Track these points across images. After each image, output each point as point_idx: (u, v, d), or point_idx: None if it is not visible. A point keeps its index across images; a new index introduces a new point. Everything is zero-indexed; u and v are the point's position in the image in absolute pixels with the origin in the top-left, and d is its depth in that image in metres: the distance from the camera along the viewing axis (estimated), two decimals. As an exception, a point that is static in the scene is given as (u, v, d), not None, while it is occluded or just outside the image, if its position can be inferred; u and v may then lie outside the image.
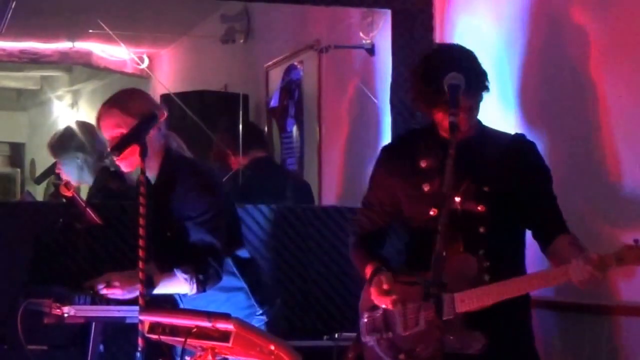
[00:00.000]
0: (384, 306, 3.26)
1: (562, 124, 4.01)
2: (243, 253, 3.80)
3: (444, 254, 3.17)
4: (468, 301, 3.08)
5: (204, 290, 3.53)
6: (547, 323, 4.03)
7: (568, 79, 3.96)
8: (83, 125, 5.22)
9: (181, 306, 3.75)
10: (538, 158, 3.36)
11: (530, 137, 3.49)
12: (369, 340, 3.31)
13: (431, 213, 3.26)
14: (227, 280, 3.65)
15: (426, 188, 3.29)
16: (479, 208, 3.23)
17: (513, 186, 3.25)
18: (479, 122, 3.37)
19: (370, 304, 3.32)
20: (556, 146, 3.96)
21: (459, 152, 3.14)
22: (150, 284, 3.39)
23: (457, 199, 3.22)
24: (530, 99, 4.23)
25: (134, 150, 3.36)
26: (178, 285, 3.53)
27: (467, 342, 3.09)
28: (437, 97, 3.17)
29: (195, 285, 3.50)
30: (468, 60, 3.28)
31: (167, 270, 3.50)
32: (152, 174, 3.65)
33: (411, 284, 3.21)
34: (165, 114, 3.62)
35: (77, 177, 5.14)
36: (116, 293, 3.50)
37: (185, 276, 3.48)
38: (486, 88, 3.27)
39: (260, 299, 3.75)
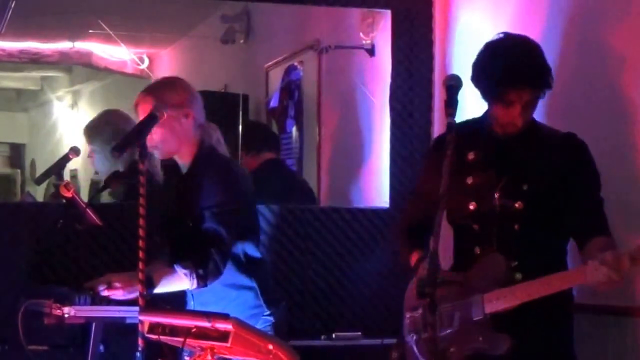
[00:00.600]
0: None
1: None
2: (255, 252, 3.78)
3: (478, 252, 3.25)
4: (496, 302, 3.07)
5: (205, 285, 3.52)
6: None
7: (568, 80, 3.96)
8: (119, 113, 5.13)
9: (191, 303, 3.74)
10: (587, 159, 3.30)
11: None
12: (409, 340, 3.31)
13: (471, 207, 3.27)
14: (238, 278, 3.67)
15: (469, 181, 3.29)
16: (516, 205, 3.21)
17: (555, 185, 3.22)
18: (533, 119, 3.34)
19: (412, 304, 3.32)
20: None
21: (504, 148, 3.21)
22: (150, 284, 3.39)
23: (496, 195, 3.23)
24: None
25: (165, 138, 3.53)
26: (179, 282, 3.52)
27: (494, 344, 3.08)
28: (496, 91, 3.18)
29: (195, 280, 3.49)
30: (531, 54, 3.22)
31: (168, 267, 3.50)
32: (183, 162, 3.69)
33: (447, 284, 3.17)
34: (198, 106, 3.67)
35: (108, 167, 4.92)
36: (117, 294, 3.49)
37: (185, 271, 3.47)
38: (548, 85, 3.22)
39: (268, 299, 3.75)
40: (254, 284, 3.71)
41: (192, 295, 3.73)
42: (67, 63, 10.23)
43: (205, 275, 3.49)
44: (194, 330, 2.86)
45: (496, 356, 3.08)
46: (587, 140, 3.33)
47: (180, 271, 3.49)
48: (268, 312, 3.73)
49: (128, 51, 8.95)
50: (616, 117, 3.77)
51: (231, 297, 3.67)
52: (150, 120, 3.45)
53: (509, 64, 3.16)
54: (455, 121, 2.98)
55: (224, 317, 2.81)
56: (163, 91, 3.64)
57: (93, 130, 5.05)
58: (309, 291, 4.87)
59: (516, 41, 3.27)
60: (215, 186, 3.58)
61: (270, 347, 2.82)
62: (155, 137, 3.57)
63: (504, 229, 3.21)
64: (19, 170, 14.80)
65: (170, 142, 3.63)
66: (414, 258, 3.34)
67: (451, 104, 2.98)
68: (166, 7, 7.81)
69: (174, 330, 2.95)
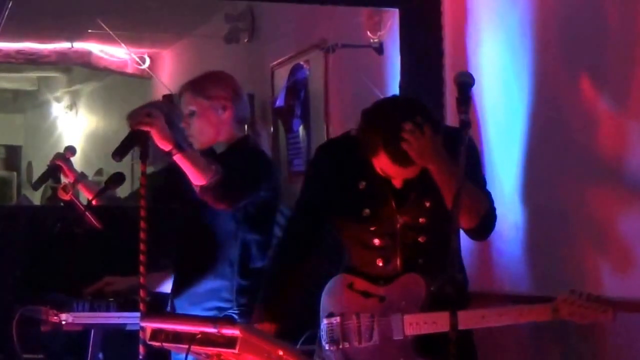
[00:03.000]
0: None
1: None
2: (257, 262, 3.76)
3: (381, 264, 3.19)
4: (416, 325, 3.07)
5: (217, 194, 3.48)
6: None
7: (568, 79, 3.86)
8: (170, 98, 5.01)
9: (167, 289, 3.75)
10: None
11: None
12: (327, 347, 3.26)
13: (371, 229, 3.20)
14: (223, 269, 3.67)
15: (365, 213, 3.21)
16: (420, 221, 3.18)
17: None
18: None
19: (328, 310, 3.27)
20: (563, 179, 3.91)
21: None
22: (180, 148, 3.38)
23: (398, 224, 3.18)
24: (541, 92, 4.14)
25: (202, 128, 3.71)
26: (198, 166, 3.44)
27: None
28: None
29: (212, 178, 3.44)
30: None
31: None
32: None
33: (366, 295, 3.18)
34: (240, 102, 3.79)
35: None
36: None
37: (211, 166, 3.45)
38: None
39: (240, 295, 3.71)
40: (234, 279, 3.69)
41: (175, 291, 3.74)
42: (65, 63, 10.23)
43: (224, 182, 3.45)
44: (199, 336, 2.81)
45: None
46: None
47: (206, 161, 3.46)
48: (236, 312, 3.69)
49: (129, 51, 8.90)
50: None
51: (206, 281, 3.68)
52: (138, 136, 3.38)
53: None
54: (469, 119, 2.86)
55: (231, 322, 2.82)
56: (203, 83, 3.80)
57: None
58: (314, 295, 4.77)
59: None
60: (244, 156, 3.69)
61: (280, 352, 2.79)
62: (192, 127, 3.73)
63: (408, 242, 3.18)
64: (15, 173, 14.83)
65: (206, 133, 3.74)
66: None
67: (464, 101, 2.88)
68: (168, 6, 7.80)
69: (177, 337, 2.90)
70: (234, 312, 3.66)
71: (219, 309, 3.65)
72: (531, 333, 4.04)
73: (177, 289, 3.75)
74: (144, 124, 3.34)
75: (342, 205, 3.25)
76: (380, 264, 3.21)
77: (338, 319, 3.21)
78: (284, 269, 3.33)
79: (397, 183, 3.17)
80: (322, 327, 3.27)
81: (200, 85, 3.77)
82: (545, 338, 3.96)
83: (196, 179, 3.47)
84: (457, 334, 2.56)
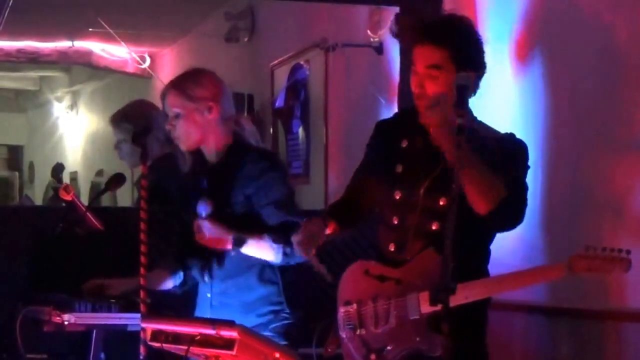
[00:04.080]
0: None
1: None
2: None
3: (392, 249, 3.18)
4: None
5: (288, 263, 3.55)
6: (539, 328, 4.07)
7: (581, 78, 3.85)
8: (148, 102, 4.98)
9: (207, 294, 3.68)
10: (517, 157, 3.15)
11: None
12: (344, 336, 3.24)
13: (396, 197, 3.19)
14: (265, 270, 3.64)
15: (399, 169, 3.21)
16: (440, 202, 3.12)
17: None
18: (474, 118, 3.19)
19: (345, 298, 3.25)
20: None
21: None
22: (240, 242, 3.47)
23: (421, 190, 3.14)
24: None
25: (188, 130, 3.60)
26: (264, 250, 3.54)
27: (431, 345, 3.03)
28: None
29: (281, 256, 3.53)
30: (445, 18, 3.21)
31: (257, 233, 3.55)
32: (210, 153, 3.71)
33: (382, 279, 3.15)
34: (225, 99, 3.71)
35: (135, 159, 4.83)
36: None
37: (274, 245, 3.52)
38: (456, 48, 3.09)
39: (288, 299, 3.71)
40: (279, 280, 3.67)
41: (211, 285, 3.68)
42: (66, 62, 10.23)
43: (291, 254, 3.49)
44: (198, 337, 2.82)
45: (433, 356, 3.03)
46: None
47: (269, 242, 3.52)
48: (287, 312, 3.68)
49: (129, 50, 8.90)
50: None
51: (254, 288, 3.63)
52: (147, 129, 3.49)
53: (418, 23, 3.14)
54: (466, 122, 2.85)
55: (229, 324, 2.78)
56: (187, 84, 3.68)
57: (121, 120, 4.89)
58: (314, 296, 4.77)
59: (453, 14, 3.25)
60: (272, 179, 3.62)
61: (277, 355, 2.80)
62: (178, 129, 3.64)
63: (421, 228, 3.14)
64: (17, 173, 14.85)
65: (192, 135, 3.66)
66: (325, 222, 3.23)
67: (462, 104, 2.83)
68: (168, 5, 7.80)
69: (177, 338, 2.91)
70: (285, 314, 3.66)
71: (273, 312, 3.64)
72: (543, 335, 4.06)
73: (217, 301, 3.69)
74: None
75: (384, 162, 3.21)
76: (392, 249, 3.20)
77: (355, 306, 3.19)
78: (341, 204, 3.34)
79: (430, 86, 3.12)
80: (339, 315, 3.26)
81: (184, 86, 3.67)
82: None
83: (268, 258, 3.55)
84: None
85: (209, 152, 3.69)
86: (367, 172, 3.34)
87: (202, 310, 3.70)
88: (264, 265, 3.60)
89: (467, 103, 2.90)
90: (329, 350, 3.31)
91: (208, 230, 3.47)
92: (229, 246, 3.47)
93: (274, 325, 3.59)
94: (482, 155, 3.03)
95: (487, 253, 3.22)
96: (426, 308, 3.00)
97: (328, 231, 3.18)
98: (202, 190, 3.66)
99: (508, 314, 4.00)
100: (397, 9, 5.03)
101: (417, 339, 3.04)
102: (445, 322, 2.57)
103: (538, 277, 3.08)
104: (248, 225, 3.57)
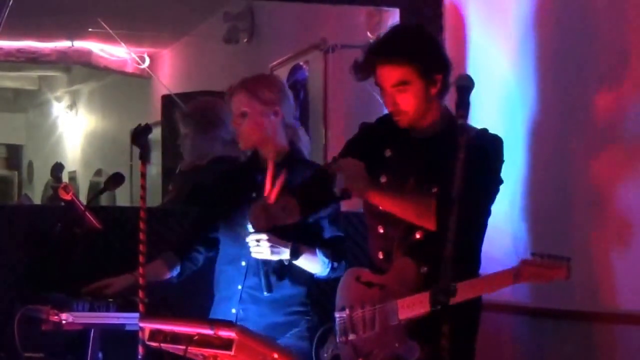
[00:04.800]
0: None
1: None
2: None
3: (381, 257, 3.23)
4: (407, 308, 3.06)
5: (329, 278, 3.67)
6: (523, 329, 4.10)
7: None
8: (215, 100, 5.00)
9: (239, 286, 3.71)
10: (487, 155, 3.15)
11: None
12: (339, 340, 3.28)
13: (380, 207, 3.19)
14: (297, 272, 3.70)
15: (383, 180, 3.23)
16: None
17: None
18: (449, 113, 3.23)
19: (339, 304, 3.29)
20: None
21: (419, 147, 3.15)
22: (296, 254, 3.59)
23: None
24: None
25: (251, 131, 3.73)
26: (315, 264, 3.67)
27: (408, 350, 3.08)
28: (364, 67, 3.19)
29: (329, 270, 3.67)
30: (399, 31, 3.25)
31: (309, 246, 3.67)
32: (266, 156, 3.75)
33: (369, 286, 3.20)
34: (288, 105, 3.82)
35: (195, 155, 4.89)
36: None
37: (325, 259, 3.66)
38: (415, 60, 3.12)
39: (312, 303, 3.81)
40: (309, 283, 3.75)
41: (244, 278, 3.72)
42: (66, 62, 10.23)
43: (337, 268, 3.66)
44: (196, 337, 2.82)
45: None
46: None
47: (321, 256, 3.65)
48: (310, 316, 3.76)
49: (128, 50, 8.90)
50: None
51: (285, 287, 3.71)
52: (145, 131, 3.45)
53: (372, 46, 3.17)
54: (467, 123, 2.86)
55: (228, 324, 2.80)
56: (258, 86, 3.79)
57: (186, 115, 4.98)
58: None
59: (401, 24, 3.27)
60: None
61: (275, 355, 2.80)
62: (241, 129, 3.75)
63: (406, 236, 3.17)
64: (16, 172, 14.84)
65: (254, 136, 3.77)
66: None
67: (462, 105, 2.83)
68: (167, 5, 7.79)
69: (175, 338, 2.92)
70: (309, 316, 3.75)
71: (300, 312, 3.72)
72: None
73: (247, 296, 3.73)
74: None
75: (367, 169, 3.21)
76: (381, 257, 3.24)
77: (347, 311, 3.23)
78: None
79: (391, 101, 3.16)
80: (335, 321, 3.29)
81: (256, 87, 3.77)
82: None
83: (316, 271, 3.68)
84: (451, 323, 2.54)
85: (265, 154, 3.76)
86: None
87: (229, 303, 3.74)
88: (299, 266, 3.66)
89: (467, 103, 2.86)
90: (326, 354, 3.35)
91: (266, 241, 3.54)
92: (286, 257, 3.57)
93: (299, 326, 3.69)
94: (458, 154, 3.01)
95: (478, 259, 3.24)
96: (403, 314, 3.05)
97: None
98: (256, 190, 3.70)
99: (495, 315, 4.00)
100: (396, 10, 5.02)
101: (396, 344, 3.08)
102: (446, 324, 2.57)
103: (490, 284, 3.00)
104: (300, 235, 3.64)
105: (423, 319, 3.02)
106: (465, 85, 2.85)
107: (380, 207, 3.16)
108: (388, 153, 3.25)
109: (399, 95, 3.14)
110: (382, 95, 3.19)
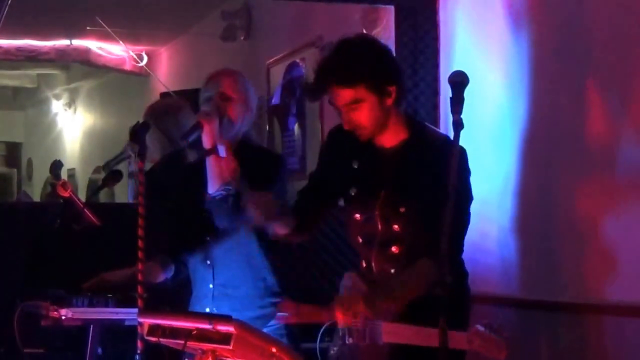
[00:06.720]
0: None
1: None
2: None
3: (364, 265, 3.21)
4: (394, 335, 3.00)
5: None
6: (511, 321, 4.10)
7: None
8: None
9: (210, 285, 3.69)
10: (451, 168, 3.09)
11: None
12: (340, 342, 3.24)
13: (357, 217, 3.20)
14: (267, 264, 3.67)
15: (353, 192, 3.21)
16: (394, 227, 3.13)
17: (434, 200, 2.94)
18: (420, 124, 3.24)
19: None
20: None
21: (384, 159, 3.10)
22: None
23: (376, 213, 3.14)
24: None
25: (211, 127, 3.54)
26: None
27: None
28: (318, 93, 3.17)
29: None
30: (343, 52, 3.11)
31: None
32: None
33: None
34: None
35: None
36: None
37: None
38: (362, 80, 3.05)
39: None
40: (276, 272, 3.70)
41: (212, 277, 3.69)
42: (64, 61, 10.23)
43: None
44: (194, 332, 2.80)
45: None
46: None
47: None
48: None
49: (126, 48, 8.91)
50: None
51: (256, 280, 3.67)
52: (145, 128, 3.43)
53: (319, 69, 3.10)
54: (462, 119, 2.87)
55: (226, 319, 2.76)
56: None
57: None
58: (311, 292, 4.80)
59: (345, 41, 3.15)
60: None
61: (274, 350, 2.78)
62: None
63: (382, 250, 3.15)
64: (15, 170, 14.84)
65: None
66: None
67: (457, 101, 2.80)
68: (165, 3, 7.79)
69: (174, 332, 2.89)
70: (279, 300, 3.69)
71: (275, 304, 3.63)
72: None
73: (219, 294, 3.70)
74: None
75: (339, 183, 3.21)
76: (364, 265, 3.24)
77: None
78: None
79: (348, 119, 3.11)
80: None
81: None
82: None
83: None
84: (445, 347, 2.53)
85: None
86: (322, 190, 3.32)
87: (202, 302, 3.71)
88: (264, 255, 3.63)
89: (462, 100, 2.81)
90: (332, 352, 3.31)
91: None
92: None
93: (275, 318, 3.59)
94: (423, 168, 3.05)
95: (463, 268, 3.22)
96: (387, 338, 3.00)
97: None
98: None
99: (484, 307, 4.00)
100: (392, 8, 5.04)
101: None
102: (443, 317, 2.56)
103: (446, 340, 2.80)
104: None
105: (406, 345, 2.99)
106: (460, 82, 2.82)
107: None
108: (356, 164, 3.21)
109: (354, 113, 3.08)
110: (338, 113, 3.14)
